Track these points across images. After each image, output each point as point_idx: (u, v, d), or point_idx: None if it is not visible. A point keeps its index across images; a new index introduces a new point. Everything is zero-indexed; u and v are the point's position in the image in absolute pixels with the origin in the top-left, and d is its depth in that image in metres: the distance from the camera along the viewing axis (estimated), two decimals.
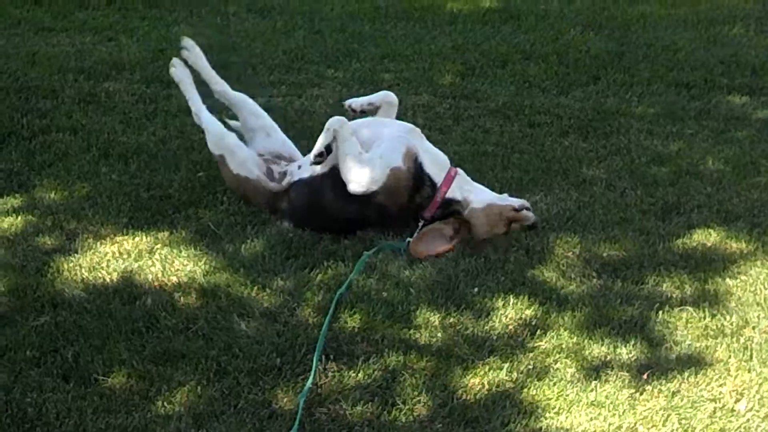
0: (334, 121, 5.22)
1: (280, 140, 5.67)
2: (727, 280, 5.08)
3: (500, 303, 4.80)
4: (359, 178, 5.13)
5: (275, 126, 5.72)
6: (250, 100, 5.76)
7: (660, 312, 4.81)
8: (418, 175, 5.17)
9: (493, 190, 5.75)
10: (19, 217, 5.35)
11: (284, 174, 5.43)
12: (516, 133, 6.52)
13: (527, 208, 5.18)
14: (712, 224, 5.56)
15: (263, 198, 5.43)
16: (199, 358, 4.32)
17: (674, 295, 4.95)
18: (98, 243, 5.16)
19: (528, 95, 7.09)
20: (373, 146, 5.21)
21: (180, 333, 4.49)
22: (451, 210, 5.21)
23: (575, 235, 5.41)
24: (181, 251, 5.10)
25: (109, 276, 4.89)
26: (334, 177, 5.22)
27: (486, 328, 4.64)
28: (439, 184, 5.18)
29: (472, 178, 5.81)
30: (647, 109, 6.93)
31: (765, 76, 7.51)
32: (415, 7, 8.75)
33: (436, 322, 4.65)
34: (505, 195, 5.31)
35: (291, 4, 8.68)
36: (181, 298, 4.74)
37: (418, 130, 5.39)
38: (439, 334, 4.58)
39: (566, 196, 5.80)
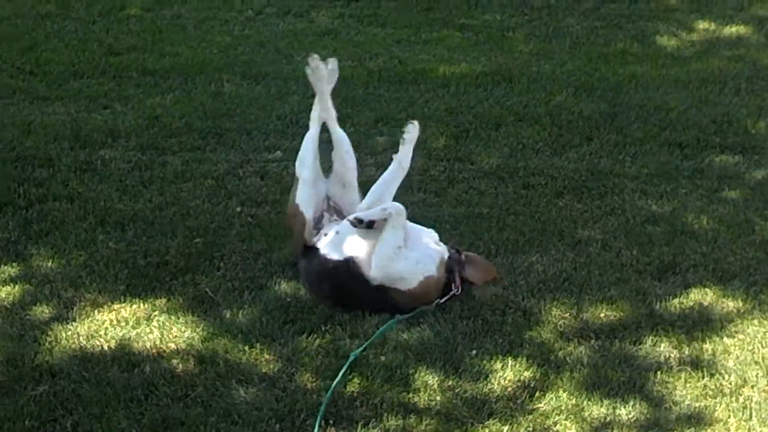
0: (394, 206, 5.25)
1: (349, 199, 5.64)
2: (725, 339, 5.08)
3: (498, 365, 4.81)
4: (386, 268, 5.14)
5: (355, 184, 5.72)
6: (347, 145, 5.80)
7: (658, 372, 4.82)
8: (448, 281, 5.25)
9: (488, 252, 5.81)
10: (16, 287, 5.35)
11: (320, 231, 5.43)
12: (511, 195, 6.54)
13: None
14: (708, 283, 5.57)
15: (298, 241, 5.44)
16: (198, 425, 4.32)
17: (672, 355, 4.96)
18: (96, 311, 5.17)
19: (522, 157, 7.12)
20: (410, 246, 5.23)
21: (179, 400, 4.49)
22: None
23: (572, 296, 5.42)
24: (178, 318, 5.11)
25: (107, 344, 4.89)
26: (347, 268, 5.21)
27: (485, 390, 4.64)
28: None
29: (468, 241, 5.86)
30: (641, 169, 6.96)
31: (757, 135, 7.55)
32: (408, 70, 8.79)
33: (435, 385, 4.65)
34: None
35: (284, 70, 8.72)
36: (180, 365, 4.75)
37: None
38: (438, 397, 4.58)
39: (562, 257, 5.81)
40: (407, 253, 5.16)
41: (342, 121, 7.52)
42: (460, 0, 10.66)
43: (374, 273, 5.13)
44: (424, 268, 5.19)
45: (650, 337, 5.08)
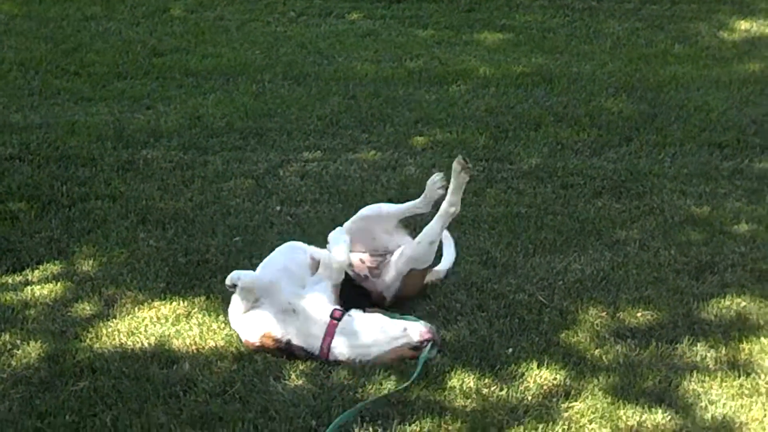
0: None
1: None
2: (762, 338, 5.07)
3: (534, 364, 4.82)
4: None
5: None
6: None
7: (695, 371, 4.81)
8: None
9: (526, 251, 5.81)
10: (59, 284, 5.42)
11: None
12: (549, 195, 6.55)
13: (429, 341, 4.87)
14: (745, 283, 5.56)
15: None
16: (236, 421, 4.36)
17: (709, 355, 4.95)
18: (136, 308, 5.22)
19: (561, 157, 7.13)
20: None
21: (217, 396, 4.53)
22: None
23: (609, 296, 5.43)
24: (217, 315, 5.15)
25: (147, 341, 4.94)
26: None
27: (521, 389, 4.66)
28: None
29: (506, 240, 5.87)
30: (680, 169, 6.95)
31: None
32: (448, 71, 8.81)
33: (471, 384, 4.67)
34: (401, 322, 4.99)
35: (325, 71, 8.77)
36: (218, 361, 4.79)
37: None
38: (474, 396, 4.59)
39: (600, 256, 5.82)
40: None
41: (382, 121, 7.62)
42: (501, 1, 10.69)
43: None
44: None
45: (687, 337, 5.07)
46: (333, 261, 5.09)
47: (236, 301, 4.91)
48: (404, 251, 5.31)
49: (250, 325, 4.87)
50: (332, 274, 5.07)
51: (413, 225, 5.70)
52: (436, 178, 5.40)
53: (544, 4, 10.68)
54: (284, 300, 4.88)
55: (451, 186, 5.25)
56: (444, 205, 5.28)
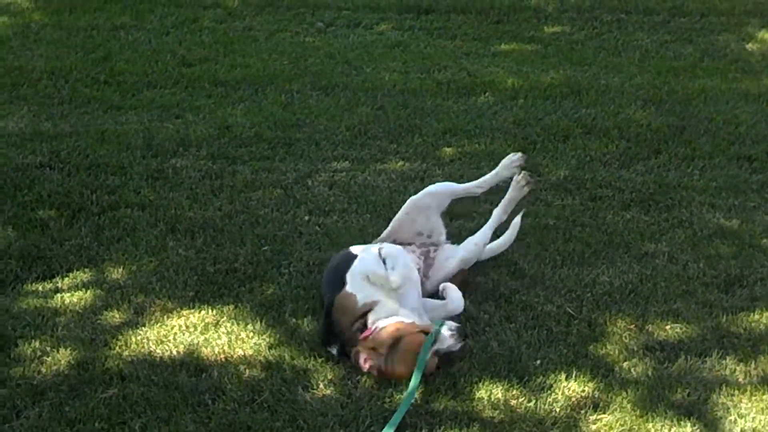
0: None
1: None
2: None
3: (562, 376, 4.82)
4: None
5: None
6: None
7: (724, 385, 4.80)
8: None
9: (555, 263, 5.81)
10: (88, 292, 5.44)
11: None
12: (577, 207, 6.55)
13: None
14: None
15: None
16: (264, 430, 4.38)
17: (738, 369, 4.94)
18: (165, 316, 5.24)
19: (589, 169, 7.12)
20: None
21: (245, 405, 4.55)
22: None
23: (637, 308, 5.42)
24: (246, 324, 5.17)
25: (176, 349, 4.96)
26: None
27: (548, 401, 4.66)
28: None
29: (534, 252, 5.87)
30: (709, 182, 6.93)
31: None
32: (476, 82, 8.82)
33: (499, 395, 4.67)
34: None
35: (354, 81, 8.78)
36: (247, 370, 4.81)
37: None
38: (501, 407, 4.60)
39: (628, 269, 5.81)
40: None
41: (410, 132, 7.63)
42: (529, 13, 10.68)
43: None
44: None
45: (716, 350, 5.06)
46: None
47: None
48: (456, 253, 5.51)
49: None
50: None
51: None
52: (515, 156, 5.50)
53: (572, 16, 10.66)
54: None
55: (508, 195, 5.56)
56: (497, 210, 5.67)
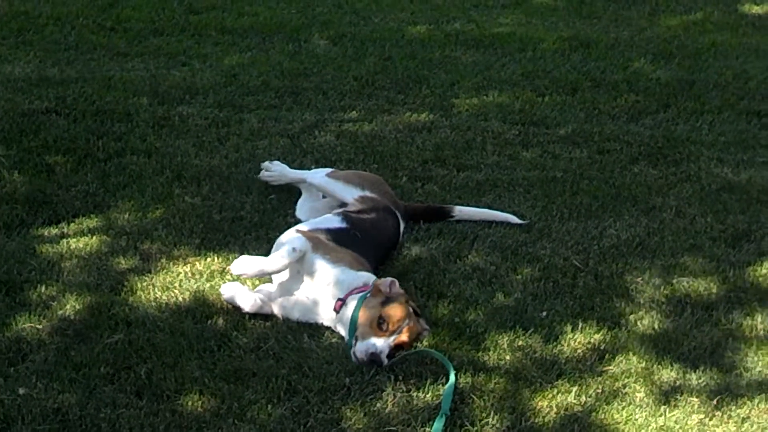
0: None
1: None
2: None
3: (569, 327, 4.82)
4: None
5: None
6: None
7: (730, 338, 4.80)
8: None
9: (562, 216, 5.79)
10: (95, 237, 5.43)
11: None
12: (585, 160, 6.52)
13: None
14: None
15: None
16: (270, 377, 4.37)
17: (744, 323, 4.94)
18: (171, 263, 5.23)
19: (597, 122, 7.09)
20: None
21: (251, 352, 4.55)
22: None
23: (644, 262, 5.41)
24: None
25: (182, 295, 4.95)
26: None
27: (555, 351, 4.66)
28: None
29: (541, 204, 5.85)
30: (718, 137, 6.91)
31: None
32: (485, 34, 8.77)
33: (505, 345, 4.67)
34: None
35: (362, 32, 8.74)
36: (252, 318, 4.79)
37: None
38: (508, 357, 4.60)
39: (636, 222, 5.80)
40: None
41: (418, 83, 7.60)
42: None
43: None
44: None
45: (722, 304, 5.06)
46: None
47: None
48: None
49: None
50: None
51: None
52: None
53: None
54: None
55: None
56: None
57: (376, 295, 4.64)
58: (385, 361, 4.47)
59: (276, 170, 5.92)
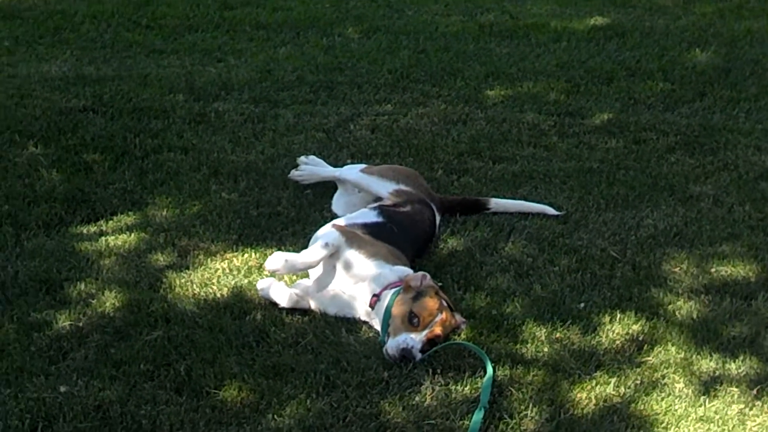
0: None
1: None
2: None
3: (607, 318, 4.80)
4: None
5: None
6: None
7: None
8: None
9: (598, 206, 5.78)
10: (133, 235, 5.46)
11: None
12: (621, 150, 6.51)
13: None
14: None
15: None
16: (308, 372, 4.38)
17: None
18: (209, 259, 5.25)
19: (633, 112, 7.07)
20: None
21: (289, 347, 4.56)
22: None
23: (682, 251, 5.39)
24: None
25: (220, 291, 4.97)
26: None
27: (593, 342, 4.64)
28: None
29: (577, 195, 5.84)
30: (755, 125, 6.87)
31: None
32: (519, 25, 8.77)
33: (543, 337, 4.66)
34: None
35: (396, 25, 8.75)
36: (290, 313, 4.81)
37: None
38: (546, 349, 4.59)
39: (673, 212, 5.77)
40: None
41: (452, 75, 7.60)
42: None
43: None
44: None
45: (762, 293, 5.03)
46: None
47: None
48: None
49: None
50: None
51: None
52: None
53: None
54: None
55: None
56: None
57: (408, 290, 4.64)
58: (418, 356, 4.47)
59: (306, 169, 5.93)
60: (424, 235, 5.35)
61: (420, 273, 4.72)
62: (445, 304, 4.62)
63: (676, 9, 9.23)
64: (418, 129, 6.74)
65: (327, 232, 5.01)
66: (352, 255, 4.86)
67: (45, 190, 5.83)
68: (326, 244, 4.87)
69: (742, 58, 8.04)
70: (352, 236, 4.95)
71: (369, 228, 5.10)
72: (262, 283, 4.93)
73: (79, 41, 8.34)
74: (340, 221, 5.18)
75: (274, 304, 4.83)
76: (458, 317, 4.68)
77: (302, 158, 6.03)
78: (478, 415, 4.12)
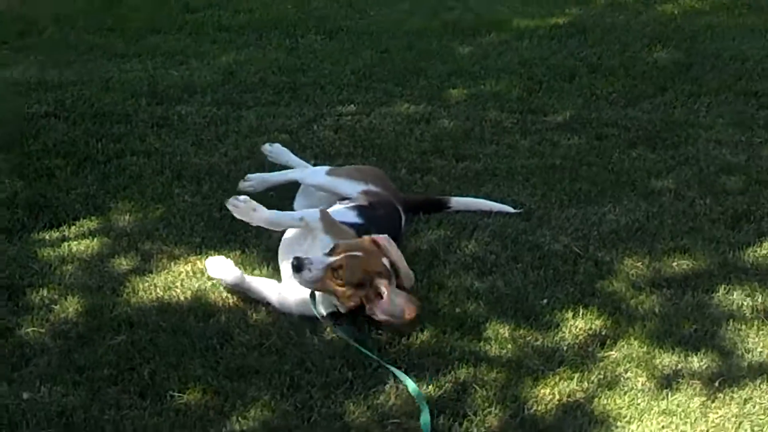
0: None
1: None
2: None
3: (569, 314, 4.82)
4: None
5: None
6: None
7: (731, 321, 4.81)
8: None
9: (561, 203, 5.81)
10: (95, 239, 5.44)
11: None
12: (584, 146, 6.53)
13: None
14: None
15: None
16: (273, 373, 4.39)
17: (745, 304, 4.94)
18: (172, 263, 5.24)
19: (595, 108, 7.10)
20: None
21: (253, 349, 4.56)
22: None
23: (644, 246, 5.42)
24: (253, 269, 5.17)
25: (183, 295, 4.97)
26: None
27: (556, 339, 4.66)
28: None
29: (540, 192, 5.86)
30: (716, 118, 6.92)
31: None
32: (482, 23, 8.78)
33: (506, 334, 4.68)
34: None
35: (358, 24, 8.75)
36: (254, 314, 4.81)
37: None
38: (509, 346, 4.61)
39: (635, 207, 5.80)
40: None
41: (416, 74, 7.61)
42: None
43: None
44: None
45: (723, 286, 5.06)
46: None
47: None
48: None
49: None
50: None
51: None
52: None
53: None
54: None
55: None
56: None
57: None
58: (310, 273, 4.60)
59: (255, 177, 5.86)
60: (393, 235, 5.36)
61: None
62: (385, 265, 4.72)
63: (637, 5, 9.27)
64: (381, 128, 6.75)
65: (311, 211, 5.05)
66: (324, 240, 4.88)
67: (6, 196, 5.81)
68: (301, 219, 4.97)
69: (702, 52, 8.09)
70: (331, 224, 4.96)
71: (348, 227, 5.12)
72: (210, 261, 5.04)
73: (42, 45, 8.31)
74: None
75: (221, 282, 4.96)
76: (386, 264, 4.75)
77: (266, 146, 6.02)
78: (425, 417, 4.13)
